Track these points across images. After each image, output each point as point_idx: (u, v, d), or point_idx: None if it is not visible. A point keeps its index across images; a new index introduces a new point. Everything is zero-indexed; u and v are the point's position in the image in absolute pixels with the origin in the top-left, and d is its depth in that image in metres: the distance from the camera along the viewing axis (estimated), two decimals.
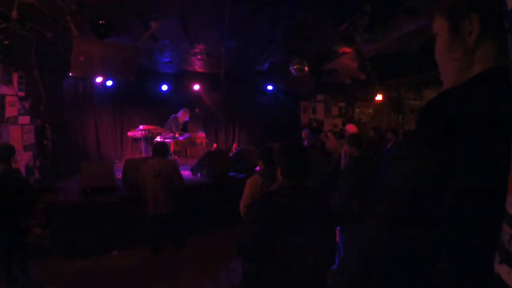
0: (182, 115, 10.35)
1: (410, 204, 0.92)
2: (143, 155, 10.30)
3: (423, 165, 0.91)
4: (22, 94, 7.63)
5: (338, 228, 4.31)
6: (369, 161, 4.72)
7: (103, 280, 5.71)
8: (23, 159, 7.39)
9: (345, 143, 5.38)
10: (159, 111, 11.61)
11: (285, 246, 2.36)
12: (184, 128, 10.60)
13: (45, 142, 8.44)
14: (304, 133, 11.02)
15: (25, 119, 7.73)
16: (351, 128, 8.25)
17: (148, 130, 10.33)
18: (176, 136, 10.16)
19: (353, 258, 1.12)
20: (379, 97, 13.97)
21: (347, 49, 9.07)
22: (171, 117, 10.23)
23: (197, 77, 12.09)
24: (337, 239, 4.29)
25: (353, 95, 14.53)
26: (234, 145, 13.75)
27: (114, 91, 11.31)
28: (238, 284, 4.71)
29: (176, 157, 10.36)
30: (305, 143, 10.62)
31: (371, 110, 14.81)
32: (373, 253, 1.00)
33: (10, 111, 7.25)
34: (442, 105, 0.96)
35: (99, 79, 10.41)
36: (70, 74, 7.58)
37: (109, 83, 10.88)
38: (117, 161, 11.02)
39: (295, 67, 9.39)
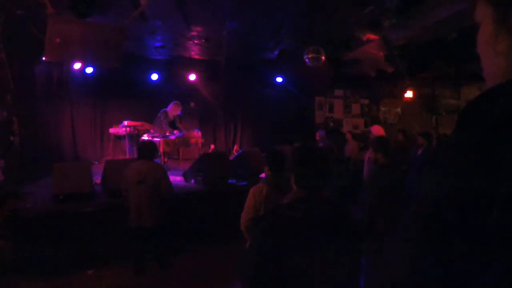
0: (172, 109, 10.32)
1: (450, 220, 0.89)
2: (127, 156, 10.28)
3: (467, 173, 0.89)
4: None
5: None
6: (396, 170, 4.65)
7: None
8: None
9: (368, 148, 5.32)
10: (148, 105, 11.58)
11: (298, 271, 2.29)
12: (176, 126, 10.57)
13: (11, 138, 8.41)
14: (318, 134, 10.95)
15: None
16: (376, 130, 8.19)
17: (134, 126, 10.31)
18: (167, 134, 10.12)
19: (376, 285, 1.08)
20: (409, 93, 13.89)
21: (372, 36, 9.02)
22: (161, 111, 10.21)
23: (193, 65, 12.08)
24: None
25: (378, 90, 14.48)
26: (235, 147, 13.72)
27: (95, 79, 11.30)
28: None
29: (166, 160, 10.32)
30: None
31: (399, 109, 14.75)
32: (402, 282, 0.96)
33: None
34: (487, 106, 0.95)
35: (77, 65, 10.39)
36: (44, 58, 7.57)
37: (89, 70, 10.87)
38: (96, 162, 10.99)
39: (309, 55, 9.35)
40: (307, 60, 9.40)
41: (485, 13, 1.05)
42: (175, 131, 10.33)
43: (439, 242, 0.89)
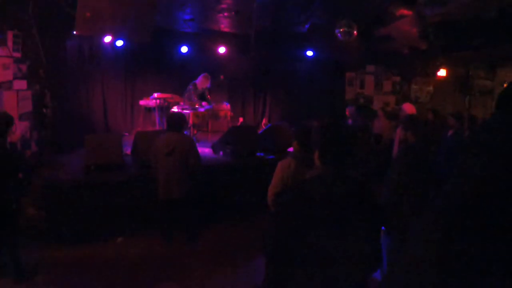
0: (202, 82, 10.36)
1: (485, 204, 0.88)
2: (157, 127, 10.37)
3: (506, 156, 0.88)
4: (18, 55, 7.71)
5: (383, 228, 4.24)
6: (426, 150, 4.59)
7: (105, 271, 5.80)
8: (18, 130, 7.52)
9: (399, 126, 5.25)
10: (177, 77, 11.64)
11: (319, 247, 2.30)
12: (205, 98, 10.62)
13: (44, 110, 8.56)
14: (348, 110, 10.86)
15: (21, 84, 7.84)
16: (408, 108, 8.06)
17: (164, 98, 10.37)
18: (196, 107, 10.18)
19: (401, 270, 1.06)
20: (442, 72, 13.56)
21: (406, 11, 8.83)
22: (191, 83, 10.25)
23: (222, 38, 12.02)
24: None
25: (411, 68, 14.17)
26: (264, 121, 13.73)
27: (125, 53, 11.36)
28: (260, 286, 4.72)
29: (195, 132, 10.41)
30: (349, 123, 10.48)
31: (431, 88, 14.44)
32: (428, 266, 0.94)
33: (3, 75, 7.33)
34: None
35: (107, 39, 10.43)
36: (75, 32, 7.63)
37: (120, 43, 10.90)
38: (127, 134, 11.15)
39: (341, 30, 9.23)
40: (338, 34, 9.29)
41: None
42: (203, 103, 10.37)
43: (471, 226, 0.88)
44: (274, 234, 2.48)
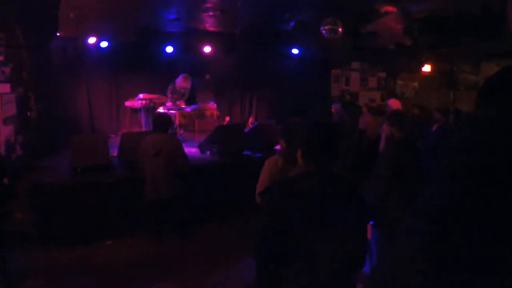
0: (181, 82, 10.32)
1: (472, 197, 0.89)
2: (143, 128, 10.35)
3: (489, 148, 0.90)
4: (0, 58, 7.65)
5: (371, 222, 4.28)
6: (412, 145, 4.64)
7: (95, 275, 5.77)
8: (1, 134, 7.45)
9: (385, 121, 5.28)
10: (163, 78, 11.60)
11: (305, 245, 2.32)
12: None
13: (28, 113, 8.49)
14: (334, 107, 10.92)
15: (4, 88, 7.74)
16: (394, 103, 8.12)
17: (150, 99, 10.36)
18: (182, 107, 10.16)
19: (389, 266, 1.08)
20: (427, 68, 13.67)
21: (390, 8, 8.88)
22: (170, 84, 10.28)
23: (208, 37, 12.01)
24: (369, 235, 4.25)
25: (396, 64, 14.28)
26: (251, 119, 13.75)
27: (110, 53, 11.31)
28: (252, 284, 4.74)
29: (182, 132, 10.40)
30: (335, 120, 10.54)
31: (416, 84, 14.56)
32: (416, 262, 0.94)
33: None
34: (507, 81, 0.94)
35: (92, 40, 10.41)
36: (58, 34, 7.58)
37: (104, 44, 10.88)
38: (113, 135, 11.13)
39: (326, 27, 9.24)
40: (324, 31, 9.29)
41: None
42: (178, 102, 10.34)
43: (458, 221, 0.88)
44: (261, 231, 2.51)
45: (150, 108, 10.36)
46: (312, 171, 2.47)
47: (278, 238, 2.38)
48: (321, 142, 2.51)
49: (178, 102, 10.18)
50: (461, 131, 1.01)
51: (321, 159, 2.49)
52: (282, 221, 2.37)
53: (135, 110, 11.28)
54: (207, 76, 12.43)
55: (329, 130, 2.56)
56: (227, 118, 13.00)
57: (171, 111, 9.73)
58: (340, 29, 9.23)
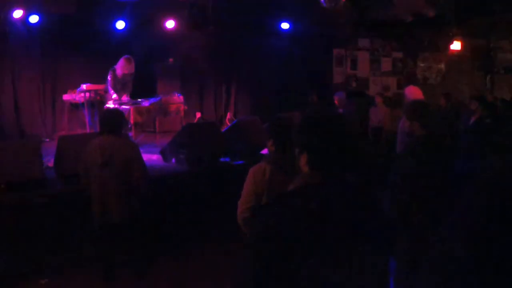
0: (122, 66, 10.09)
1: None
2: (87, 130, 10.29)
3: None
4: None
5: None
6: (438, 145, 4.66)
7: None
8: None
9: (402, 115, 5.32)
10: (112, 62, 11.53)
11: (314, 281, 2.28)
12: (127, 88, 10.45)
13: None
14: (337, 98, 10.96)
15: None
16: (412, 92, 8.17)
17: (95, 91, 10.31)
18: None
19: None
20: (456, 45, 13.79)
21: None
22: (109, 70, 10.12)
23: (171, 8, 12.01)
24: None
25: (416, 41, 14.41)
26: (229, 115, 13.74)
27: (42, 31, 11.26)
28: None
29: (138, 134, 10.36)
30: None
31: (443, 66, 14.71)
32: None
33: None
34: None
35: (18, 14, 10.32)
36: None
37: (34, 19, 10.79)
38: (47, 139, 11.06)
39: None
40: (322, 0, 9.36)
41: None
42: (124, 97, 10.22)
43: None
44: (251, 265, 2.35)
45: (96, 103, 10.31)
46: (323, 182, 2.39)
47: (273, 275, 2.23)
48: (333, 141, 2.43)
49: (116, 97, 9.99)
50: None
51: (332, 165, 2.40)
52: (280, 251, 2.24)
53: (76, 106, 11.22)
54: (171, 60, 12.44)
55: (341, 124, 2.48)
56: (198, 115, 13.00)
57: (123, 107, 9.67)
58: None
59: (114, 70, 10.05)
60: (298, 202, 2.30)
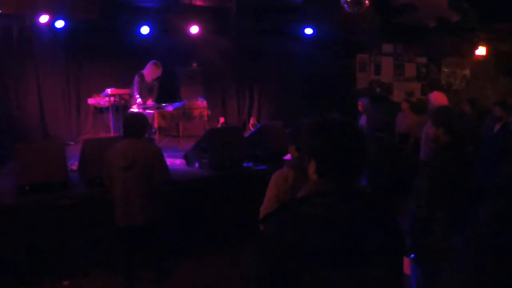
0: (151, 71, 10.17)
1: None
2: (111, 134, 10.34)
3: None
4: None
5: (412, 255, 4.24)
6: (463, 152, 4.60)
7: None
8: None
9: (427, 121, 5.26)
10: (137, 67, 11.53)
11: None
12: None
13: None
14: (361, 103, 10.90)
15: None
16: (437, 98, 8.08)
17: (120, 95, 10.34)
18: (163, 105, 10.14)
19: None
20: (481, 51, 13.69)
21: None
22: (136, 75, 10.15)
23: (195, 14, 12.03)
24: (408, 271, 4.22)
25: (440, 46, 14.30)
26: (252, 120, 13.74)
27: (68, 36, 11.33)
28: None
29: (162, 138, 10.36)
30: (362, 120, 10.52)
31: (467, 71, 14.58)
32: None
33: None
34: None
35: (44, 19, 10.40)
36: (0, 11, 7.56)
37: (60, 24, 10.88)
38: (72, 143, 11.12)
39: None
40: (345, 5, 9.31)
41: None
42: (149, 101, 10.26)
43: None
44: (256, 271, 2.35)
45: (120, 107, 10.35)
46: (330, 189, 2.37)
47: (279, 282, 2.24)
48: (342, 149, 2.40)
49: (141, 102, 10.01)
50: None
51: (342, 172, 2.37)
52: (287, 262, 2.23)
53: (100, 110, 11.28)
54: (194, 65, 12.45)
55: (352, 132, 2.45)
56: (221, 119, 13.00)
57: (147, 111, 9.69)
58: (366, 1, 9.25)
59: (142, 75, 10.09)
60: (305, 209, 2.29)
